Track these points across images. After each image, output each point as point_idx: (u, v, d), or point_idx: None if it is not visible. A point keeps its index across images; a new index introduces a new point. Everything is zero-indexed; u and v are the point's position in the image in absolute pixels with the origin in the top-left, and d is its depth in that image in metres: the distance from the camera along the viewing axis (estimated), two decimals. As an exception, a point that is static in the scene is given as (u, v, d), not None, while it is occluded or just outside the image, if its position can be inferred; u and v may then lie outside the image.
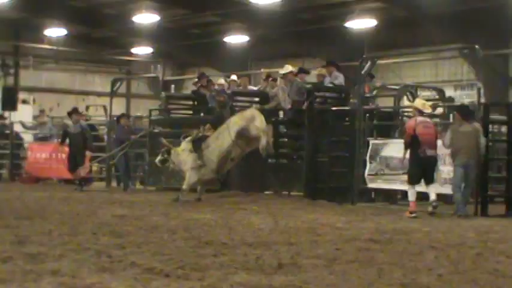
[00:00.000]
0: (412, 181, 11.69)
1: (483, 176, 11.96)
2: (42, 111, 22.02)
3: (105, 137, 19.41)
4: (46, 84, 28.80)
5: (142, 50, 29.47)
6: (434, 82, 23.11)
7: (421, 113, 11.85)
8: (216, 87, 17.15)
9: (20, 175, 20.40)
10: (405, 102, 15.78)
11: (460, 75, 23.84)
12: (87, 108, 23.46)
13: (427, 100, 16.37)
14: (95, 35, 28.12)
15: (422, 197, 12.04)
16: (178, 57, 31.59)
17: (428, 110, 12.17)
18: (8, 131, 20.97)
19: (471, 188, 11.75)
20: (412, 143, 11.64)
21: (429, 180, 11.69)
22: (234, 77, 18.05)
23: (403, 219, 10.81)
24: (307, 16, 24.39)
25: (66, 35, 26.84)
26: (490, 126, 13.11)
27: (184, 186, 13.50)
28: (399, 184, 12.60)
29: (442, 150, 12.12)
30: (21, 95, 26.73)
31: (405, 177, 11.98)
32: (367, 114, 14.08)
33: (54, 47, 27.96)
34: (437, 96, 16.39)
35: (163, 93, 19.02)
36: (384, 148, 13.20)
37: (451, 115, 14.67)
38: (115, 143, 17.41)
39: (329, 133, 14.33)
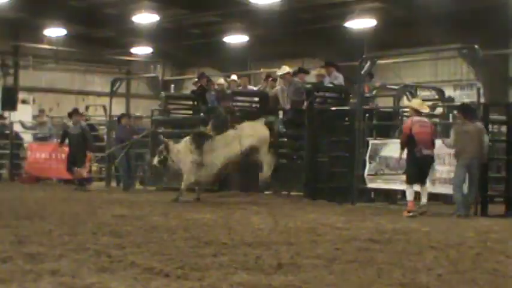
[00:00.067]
0: (411, 181, 11.69)
1: (483, 176, 11.95)
2: (41, 111, 22.00)
3: (105, 137, 19.42)
4: (46, 84, 28.79)
5: (142, 50, 29.47)
6: (434, 82, 23.12)
7: (418, 112, 11.85)
8: (216, 87, 17.16)
9: (20, 175, 20.39)
10: (405, 102, 15.77)
11: (459, 75, 23.85)
12: (87, 108, 23.45)
13: (427, 100, 16.42)
14: (94, 35, 28.11)
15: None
16: (178, 57, 31.59)
17: (426, 110, 12.16)
18: (7, 131, 20.97)
19: (475, 188, 11.72)
20: (409, 142, 11.64)
21: (423, 180, 11.68)
22: (234, 77, 18.06)
23: (402, 219, 10.81)
24: (306, 16, 24.39)
25: (65, 35, 26.83)
26: (490, 126, 13.11)
27: (182, 187, 13.49)
28: (399, 184, 12.59)
29: (443, 149, 12.12)
30: (21, 95, 26.75)
31: (405, 177, 11.97)
32: (367, 114, 14.08)
33: (54, 47, 27.96)
34: (436, 96, 16.39)
35: (163, 93, 19.02)
36: (384, 148, 13.20)
37: (450, 115, 14.68)
38: (116, 143, 17.43)
39: (329, 133, 14.35)
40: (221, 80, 17.88)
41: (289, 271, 5.85)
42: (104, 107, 20.71)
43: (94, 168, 19.71)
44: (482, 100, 12.93)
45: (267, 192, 14.68)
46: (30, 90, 27.90)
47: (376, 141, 13.51)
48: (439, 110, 15.62)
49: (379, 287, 5.40)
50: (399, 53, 21.77)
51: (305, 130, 14.62)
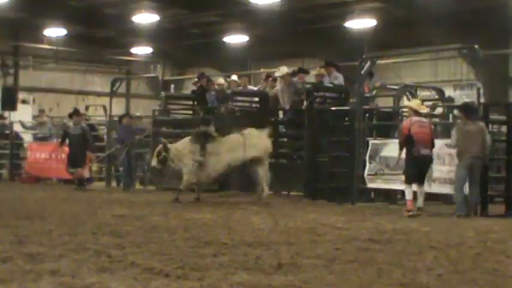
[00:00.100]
0: (409, 181, 11.68)
1: (483, 176, 11.95)
2: (41, 111, 22.00)
3: (105, 137, 19.42)
4: (46, 84, 28.78)
5: (142, 50, 29.47)
6: (434, 82, 23.13)
7: (417, 113, 11.84)
8: (216, 87, 17.17)
9: (20, 175, 20.40)
10: (405, 102, 15.78)
11: (459, 75, 23.86)
12: (87, 108, 23.45)
13: (427, 100, 16.43)
14: (94, 35, 28.11)
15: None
16: (178, 57, 31.58)
17: (424, 110, 12.15)
18: (7, 131, 20.98)
19: (478, 188, 11.71)
20: (407, 142, 11.63)
21: (421, 180, 11.68)
22: (234, 77, 18.06)
23: (402, 219, 10.81)
24: (306, 16, 24.39)
25: (65, 35, 26.82)
26: (490, 126, 13.10)
27: (182, 187, 13.44)
28: (399, 184, 12.59)
29: (443, 149, 12.12)
30: (21, 95, 26.76)
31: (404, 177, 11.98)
32: (367, 114, 14.08)
33: (54, 47, 27.96)
34: (436, 96, 16.39)
35: (162, 93, 19.02)
36: (384, 148, 13.20)
37: (450, 115, 14.69)
38: (117, 143, 17.45)
39: (329, 133, 14.35)
40: (221, 80, 17.88)
41: (289, 271, 5.85)
42: (104, 107, 20.71)
43: (94, 168, 19.71)
44: (482, 100, 12.93)
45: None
46: (30, 90, 27.90)
47: (376, 141, 13.51)
48: (439, 110, 15.63)
49: (379, 287, 5.40)
50: (399, 53, 21.76)
51: (305, 130, 14.63)
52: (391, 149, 12.78)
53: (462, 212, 11.38)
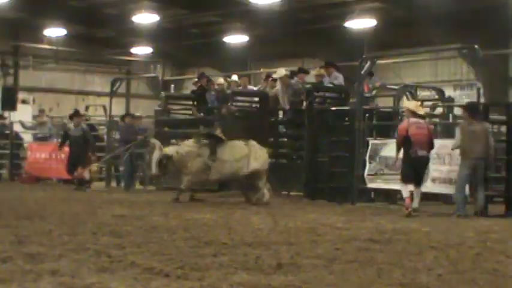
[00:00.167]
0: (405, 181, 11.67)
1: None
2: (41, 111, 22.02)
3: (105, 137, 19.42)
4: (46, 84, 28.80)
5: (142, 50, 29.48)
6: (434, 82, 23.13)
7: (414, 114, 11.83)
8: (216, 87, 17.17)
9: (20, 175, 20.40)
10: (405, 102, 15.79)
11: (459, 75, 23.87)
12: (87, 108, 23.46)
13: (427, 100, 16.44)
14: (94, 35, 28.12)
15: (424, 197, 12.04)
16: (178, 57, 31.60)
17: (421, 112, 12.13)
18: (7, 131, 20.98)
19: (482, 188, 11.68)
20: (405, 143, 11.63)
21: (418, 181, 11.68)
22: (235, 77, 18.06)
23: (402, 219, 10.80)
24: (306, 16, 24.40)
25: (65, 35, 26.84)
26: (490, 126, 13.09)
27: (182, 187, 13.41)
28: (399, 184, 12.59)
29: (443, 149, 12.12)
30: (21, 95, 26.75)
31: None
32: (367, 114, 14.08)
33: (54, 47, 27.98)
34: (436, 96, 16.40)
35: (162, 93, 19.02)
36: (384, 148, 13.21)
37: (450, 115, 14.69)
38: (120, 143, 17.45)
39: (329, 133, 14.35)
40: (221, 80, 17.89)
41: (289, 271, 5.85)
42: (104, 107, 20.72)
43: (94, 168, 19.70)
44: (482, 100, 12.93)
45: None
46: (30, 90, 27.91)
47: (376, 141, 13.52)
48: (439, 110, 15.63)
49: (379, 287, 5.40)
50: (399, 53, 21.78)
51: (305, 130, 14.63)
52: (391, 149, 12.77)
53: (462, 212, 11.38)
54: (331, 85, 15.46)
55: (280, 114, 16.22)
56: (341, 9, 23.13)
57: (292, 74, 15.96)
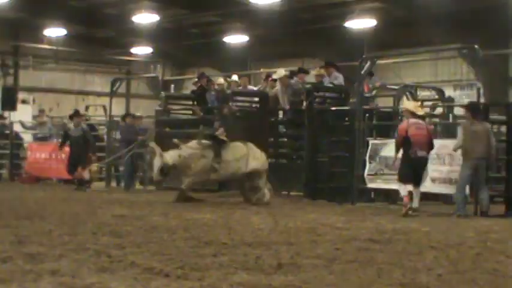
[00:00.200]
0: (403, 181, 11.66)
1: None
2: (41, 111, 22.02)
3: (105, 137, 19.43)
4: (46, 84, 28.80)
5: (142, 50, 29.48)
6: (434, 82, 23.13)
7: (414, 115, 11.83)
8: (216, 87, 17.17)
9: (20, 175, 20.40)
10: (404, 102, 15.79)
11: (459, 75, 23.87)
12: (87, 108, 23.46)
13: (427, 100, 16.44)
14: (94, 35, 28.12)
15: (423, 197, 12.04)
16: (178, 57, 31.60)
17: (421, 112, 12.12)
18: (7, 131, 20.99)
19: (484, 188, 11.68)
20: (404, 144, 11.62)
21: (417, 181, 11.67)
22: (235, 77, 18.07)
23: (402, 219, 10.81)
24: (306, 16, 24.40)
25: (65, 35, 26.84)
26: (490, 126, 13.09)
27: (183, 187, 13.41)
28: (396, 183, 12.59)
29: (443, 149, 12.11)
30: (21, 95, 26.76)
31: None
32: (367, 114, 14.08)
33: (54, 47, 27.98)
34: (436, 96, 16.40)
35: (163, 93, 19.03)
36: (384, 148, 13.20)
37: (450, 115, 14.69)
38: (121, 144, 17.45)
39: (329, 133, 14.35)
40: (221, 80, 17.90)
41: (289, 271, 5.85)
42: (104, 107, 20.72)
43: (94, 168, 19.70)
44: (482, 100, 12.92)
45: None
46: (30, 90, 27.91)
47: (376, 141, 13.52)
48: (439, 110, 15.62)
49: (379, 287, 5.40)
50: (399, 53, 21.78)
51: (305, 130, 14.63)
52: (391, 149, 12.76)
53: (462, 212, 11.38)
54: (331, 85, 15.46)
55: (280, 114, 16.22)
56: (341, 9, 23.14)
57: (292, 74, 15.97)
